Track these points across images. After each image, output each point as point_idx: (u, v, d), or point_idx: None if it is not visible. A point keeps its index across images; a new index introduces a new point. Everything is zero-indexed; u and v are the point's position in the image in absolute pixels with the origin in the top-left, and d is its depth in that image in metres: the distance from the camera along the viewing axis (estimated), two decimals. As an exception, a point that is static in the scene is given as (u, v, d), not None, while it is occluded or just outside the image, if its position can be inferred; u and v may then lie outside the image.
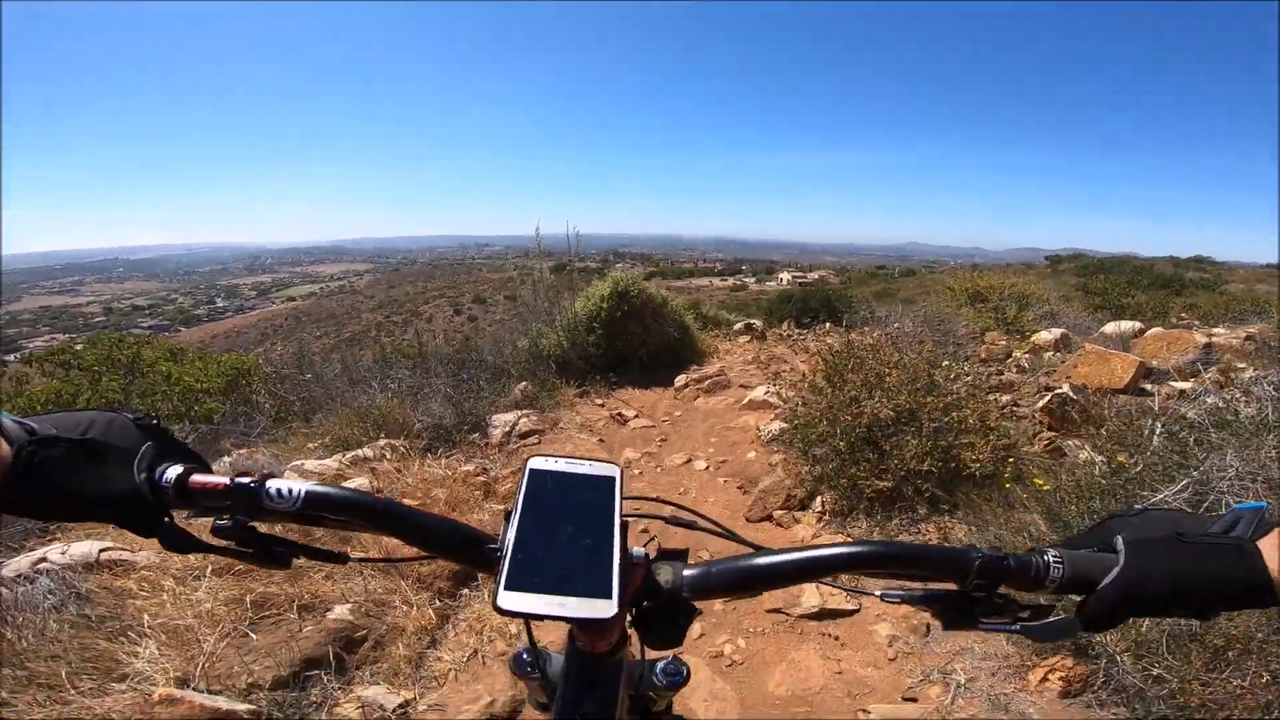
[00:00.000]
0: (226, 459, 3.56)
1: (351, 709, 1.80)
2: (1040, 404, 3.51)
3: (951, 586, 0.54)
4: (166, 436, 0.56)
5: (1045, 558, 0.52)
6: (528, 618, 0.44)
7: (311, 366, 5.13)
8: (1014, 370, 4.74)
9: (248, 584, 2.13)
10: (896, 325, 6.09)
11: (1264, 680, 1.57)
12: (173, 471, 0.53)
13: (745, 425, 4.31)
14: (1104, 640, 1.81)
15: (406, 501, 0.78)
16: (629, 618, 0.53)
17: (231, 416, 4.42)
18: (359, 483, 2.96)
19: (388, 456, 3.38)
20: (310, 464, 3.27)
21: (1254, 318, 6.80)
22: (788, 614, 2.34)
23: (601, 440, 4.40)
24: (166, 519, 0.52)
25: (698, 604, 0.54)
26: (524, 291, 6.54)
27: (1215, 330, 5.62)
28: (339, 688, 1.88)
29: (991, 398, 3.34)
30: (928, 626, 2.22)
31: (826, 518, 2.96)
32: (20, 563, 2.17)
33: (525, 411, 4.40)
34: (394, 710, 1.81)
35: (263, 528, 0.55)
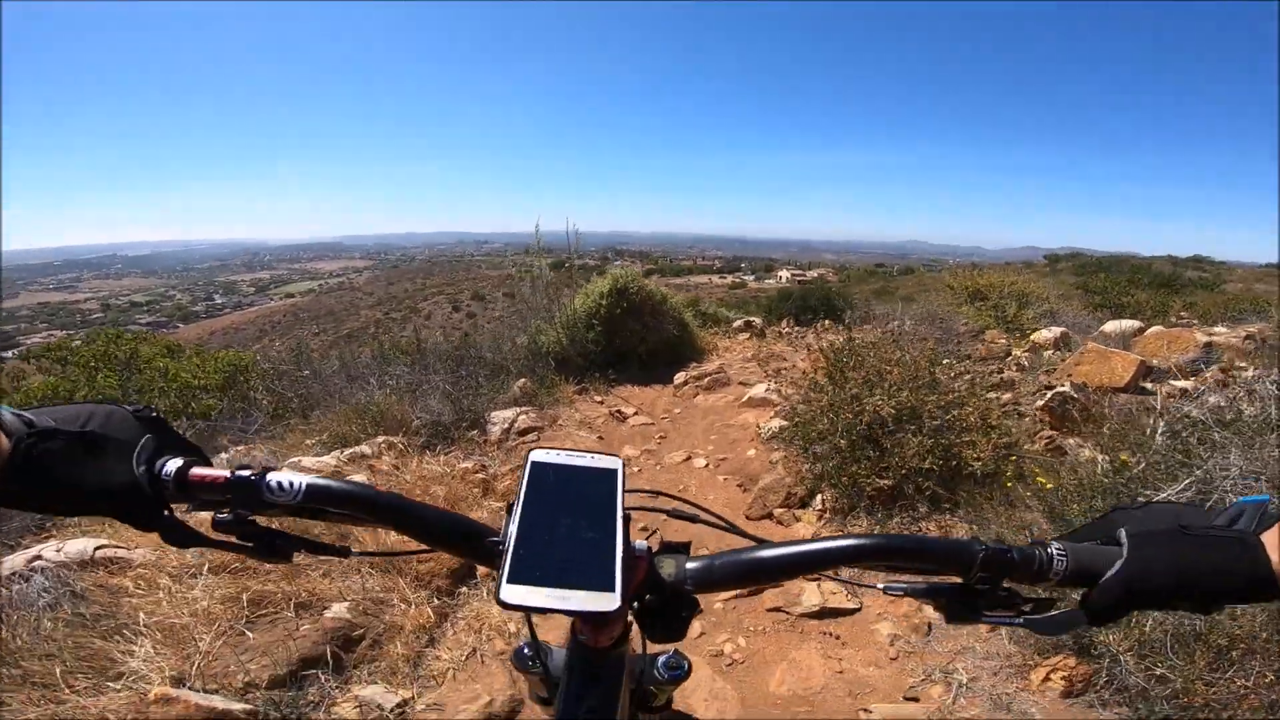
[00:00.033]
0: (224, 455, 3.54)
1: (349, 708, 1.79)
2: (1040, 402, 3.50)
3: (955, 580, 0.53)
4: (166, 429, 0.55)
5: (1049, 550, 0.52)
6: (531, 611, 0.44)
7: (309, 363, 5.11)
8: (1014, 369, 4.73)
9: (244, 582, 2.11)
10: (896, 324, 6.07)
11: (1268, 680, 1.57)
12: (173, 465, 0.52)
13: (745, 423, 4.29)
14: (1107, 640, 1.81)
15: None
16: (631, 611, 0.53)
17: (229, 413, 4.40)
18: (358, 479, 2.95)
19: (385, 454, 3.36)
20: (308, 460, 3.26)
21: (1253, 317, 6.80)
22: (788, 613, 2.33)
23: (601, 438, 4.39)
24: (166, 512, 0.51)
25: (699, 598, 0.54)
26: (523, 288, 6.52)
27: (1215, 329, 5.61)
28: (336, 687, 1.86)
29: (992, 395, 3.32)
30: (929, 626, 2.21)
31: (827, 516, 2.95)
32: (15, 560, 2.15)
33: (524, 408, 4.39)
34: (392, 709, 1.80)
35: (263, 522, 0.54)
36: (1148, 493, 2.06)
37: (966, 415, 2.88)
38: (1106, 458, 2.38)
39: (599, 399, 5.14)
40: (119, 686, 1.68)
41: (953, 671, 1.98)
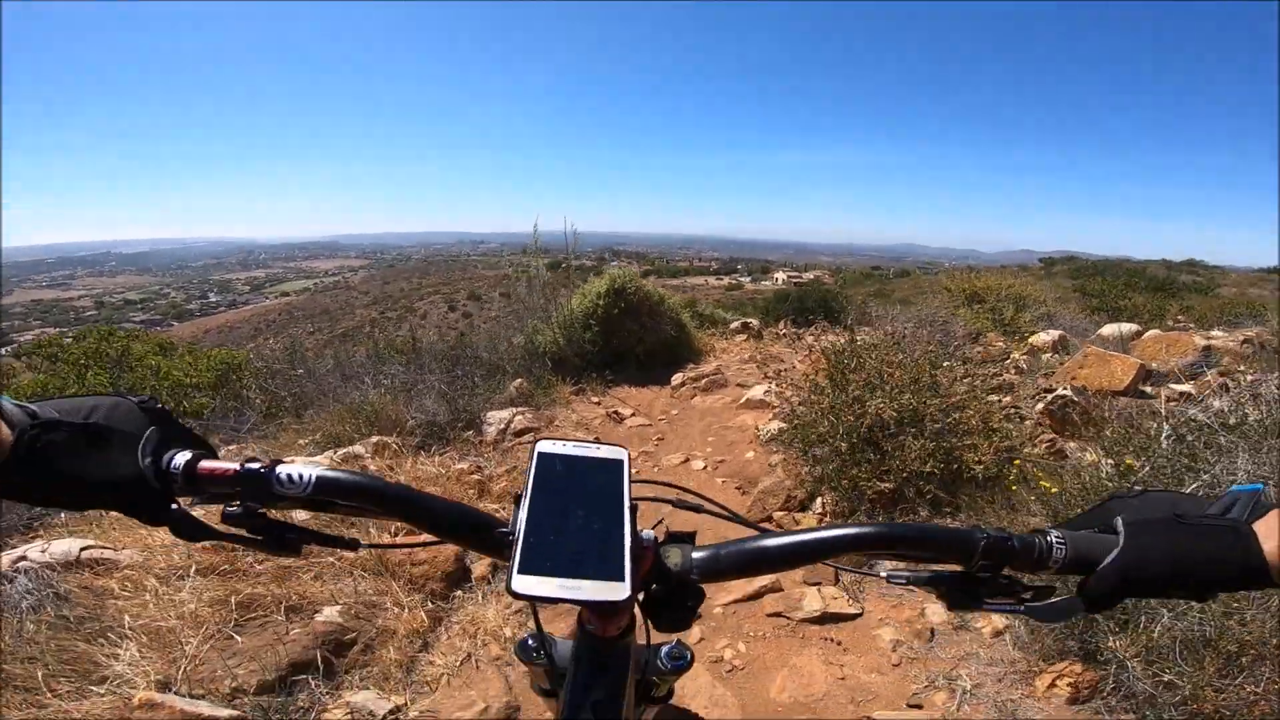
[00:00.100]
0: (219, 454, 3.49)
1: (340, 715, 1.74)
2: (1040, 406, 3.48)
3: (957, 568, 0.54)
4: (172, 422, 0.55)
5: (1048, 538, 0.52)
6: (543, 601, 0.43)
7: (304, 362, 5.05)
8: (1012, 371, 4.72)
9: (233, 584, 2.06)
10: (898, 325, 6.06)
11: (1278, 687, 1.54)
12: (181, 457, 0.52)
13: (743, 424, 4.26)
14: (1113, 645, 1.78)
15: None
16: (637, 601, 0.52)
17: (221, 412, 4.34)
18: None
19: (379, 454, 3.32)
20: (300, 460, 3.21)
21: (1249, 321, 6.82)
22: (789, 618, 2.30)
23: (597, 439, 4.34)
24: (174, 505, 0.51)
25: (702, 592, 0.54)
26: (520, 288, 6.48)
27: (1213, 333, 5.62)
28: (327, 693, 1.82)
29: (993, 398, 3.30)
30: (932, 631, 2.18)
31: (827, 519, 2.92)
32: (0, 561, 2.10)
33: (520, 409, 4.34)
34: (384, 716, 1.75)
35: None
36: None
37: (968, 418, 2.86)
38: (1110, 461, 2.36)
39: (596, 400, 5.11)
40: (103, 691, 1.64)
41: (956, 678, 1.95)
